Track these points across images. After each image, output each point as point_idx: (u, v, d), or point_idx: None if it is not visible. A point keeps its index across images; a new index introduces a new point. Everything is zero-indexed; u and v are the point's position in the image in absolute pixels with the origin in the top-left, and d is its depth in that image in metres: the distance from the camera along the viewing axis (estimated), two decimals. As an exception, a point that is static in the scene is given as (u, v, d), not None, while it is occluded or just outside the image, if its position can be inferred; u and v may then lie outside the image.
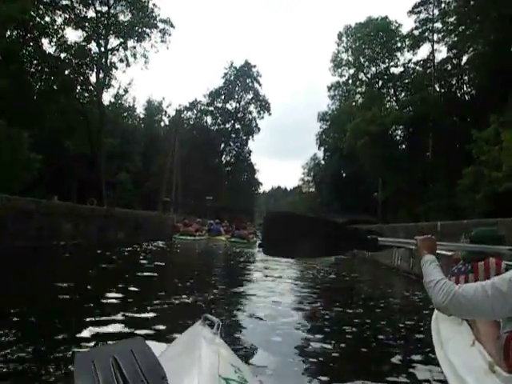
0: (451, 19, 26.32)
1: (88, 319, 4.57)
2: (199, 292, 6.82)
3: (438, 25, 29.84)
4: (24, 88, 19.69)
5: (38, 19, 19.27)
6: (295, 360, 3.90)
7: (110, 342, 3.14)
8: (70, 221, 14.18)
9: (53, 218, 13.15)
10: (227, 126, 54.30)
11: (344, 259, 19.57)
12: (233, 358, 1.69)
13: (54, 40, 20.71)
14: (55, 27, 20.34)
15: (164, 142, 44.20)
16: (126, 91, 39.58)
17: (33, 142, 21.89)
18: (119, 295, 6.08)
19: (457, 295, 1.59)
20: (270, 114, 54.64)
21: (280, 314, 5.68)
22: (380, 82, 35.40)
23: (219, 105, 53.76)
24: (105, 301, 5.63)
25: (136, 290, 6.78)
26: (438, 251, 2.22)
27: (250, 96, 54.26)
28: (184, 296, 6.38)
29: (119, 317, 4.78)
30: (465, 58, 29.12)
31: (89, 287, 6.85)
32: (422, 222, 13.62)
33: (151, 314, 5.03)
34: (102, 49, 24.21)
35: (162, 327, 4.47)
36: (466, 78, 30.68)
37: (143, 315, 4.98)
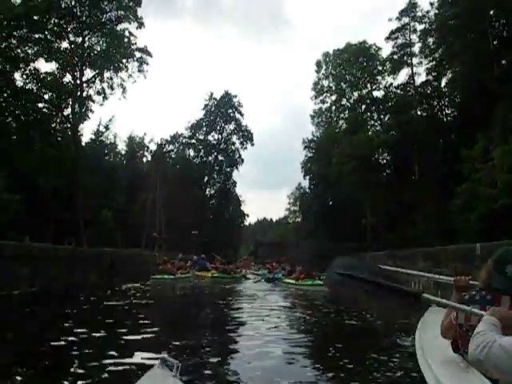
0: (431, 39, 26.61)
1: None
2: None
3: (417, 48, 30.31)
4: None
5: (8, 51, 18.37)
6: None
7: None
8: (26, 264, 12.23)
9: (2, 261, 11.21)
10: (210, 158, 53.48)
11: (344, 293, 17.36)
12: None
13: (26, 73, 19.82)
14: (26, 58, 19.35)
15: (147, 177, 43.31)
16: (106, 128, 39.01)
17: (6, 181, 20.70)
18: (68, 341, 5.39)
19: (495, 346, 1.36)
20: (252, 145, 53.95)
21: (250, 358, 4.85)
22: (363, 107, 35.35)
23: (201, 137, 53.07)
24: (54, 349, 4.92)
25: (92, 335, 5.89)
26: None
27: (232, 127, 53.76)
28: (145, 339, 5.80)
29: (73, 363, 4.29)
30: (444, 81, 29.52)
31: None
32: (451, 245, 12.41)
33: (107, 361, 4.45)
34: (78, 81, 23.47)
35: (119, 371, 4.07)
36: (446, 100, 30.96)
37: (101, 361, 4.42)
